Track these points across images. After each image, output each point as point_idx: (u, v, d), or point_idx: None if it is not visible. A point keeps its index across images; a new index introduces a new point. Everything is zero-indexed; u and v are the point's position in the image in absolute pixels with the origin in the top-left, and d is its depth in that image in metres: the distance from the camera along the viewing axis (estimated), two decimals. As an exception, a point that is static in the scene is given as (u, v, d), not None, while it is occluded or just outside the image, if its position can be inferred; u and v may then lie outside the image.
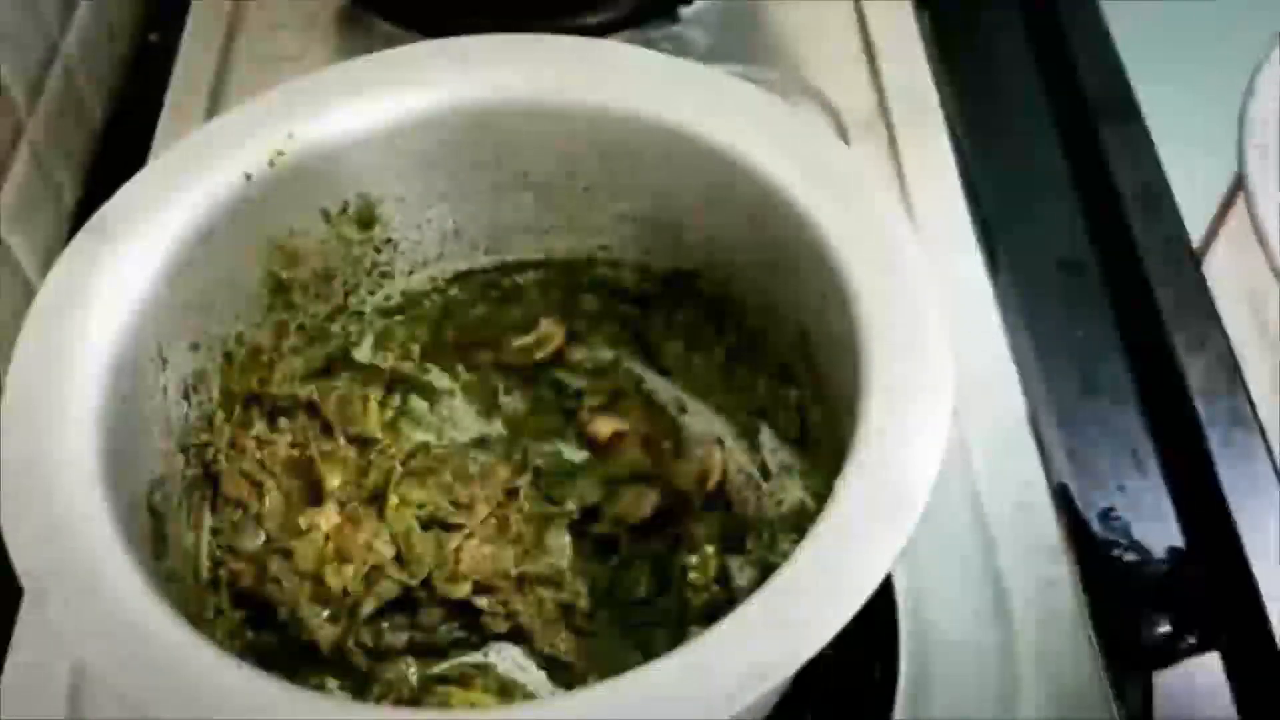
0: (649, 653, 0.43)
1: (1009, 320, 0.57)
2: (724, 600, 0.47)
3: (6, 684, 0.47)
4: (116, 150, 0.67)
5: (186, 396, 0.43)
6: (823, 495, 0.36)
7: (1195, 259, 0.61)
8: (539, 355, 0.51)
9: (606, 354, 0.52)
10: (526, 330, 0.52)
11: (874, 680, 0.47)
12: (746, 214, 0.44)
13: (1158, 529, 0.52)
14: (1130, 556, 0.51)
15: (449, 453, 0.50)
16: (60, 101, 0.63)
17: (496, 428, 0.52)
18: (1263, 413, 0.54)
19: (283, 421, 0.49)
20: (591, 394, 0.52)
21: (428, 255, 0.49)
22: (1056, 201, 0.63)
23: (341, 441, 0.49)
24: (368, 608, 0.46)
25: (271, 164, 0.43)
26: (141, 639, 0.33)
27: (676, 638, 0.45)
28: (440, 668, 0.47)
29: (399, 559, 0.47)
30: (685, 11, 0.69)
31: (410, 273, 0.50)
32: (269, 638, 0.46)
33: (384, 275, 0.49)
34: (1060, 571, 0.50)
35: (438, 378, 0.52)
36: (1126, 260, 0.59)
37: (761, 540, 0.48)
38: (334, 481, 0.48)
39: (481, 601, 0.47)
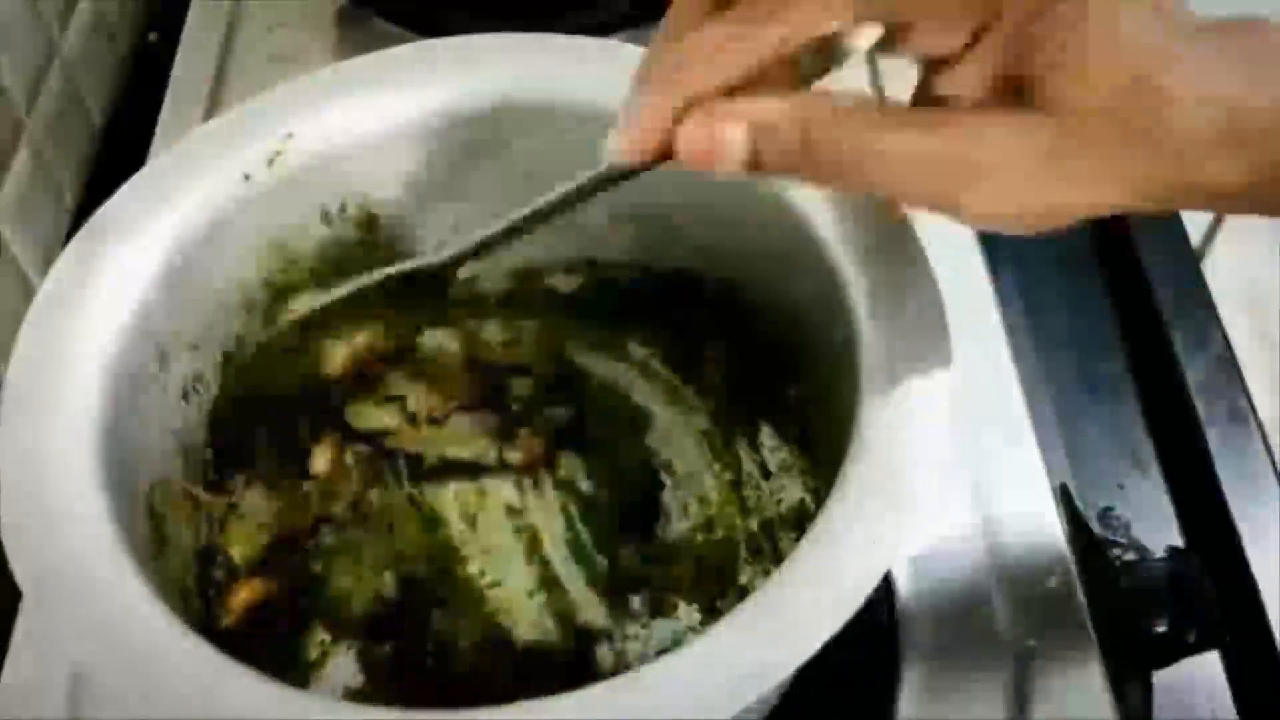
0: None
1: (1009, 320, 0.57)
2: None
3: (6, 684, 0.47)
4: (116, 150, 0.67)
5: (186, 397, 0.43)
6: (823, 495, 0.36)
7: (1195, 259, 0.61)
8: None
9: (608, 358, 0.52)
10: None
11: (874, 680, 0.47)
12: (746, 214, 0.43)
13: (1158, 529, 0.52)
14: (1130, 556, 0.51)
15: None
16: (60, 101, 0.63)
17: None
18: (1263, 413, 0.54)
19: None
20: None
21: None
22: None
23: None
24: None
25: (271, 164, 0.43)
26: (140, 641, 0.33)
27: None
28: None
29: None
30: (685, 11, 0.69)
31: (409, 273, 0.50)
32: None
33: (383, 275, 0.49)
34: (1060, 570, 0.50)
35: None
36: (1126, 260, 0.59)
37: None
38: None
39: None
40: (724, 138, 0.30)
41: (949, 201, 0.30)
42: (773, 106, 0.30)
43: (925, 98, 0.32)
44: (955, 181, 0.29)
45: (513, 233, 0.40)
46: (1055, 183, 0.29)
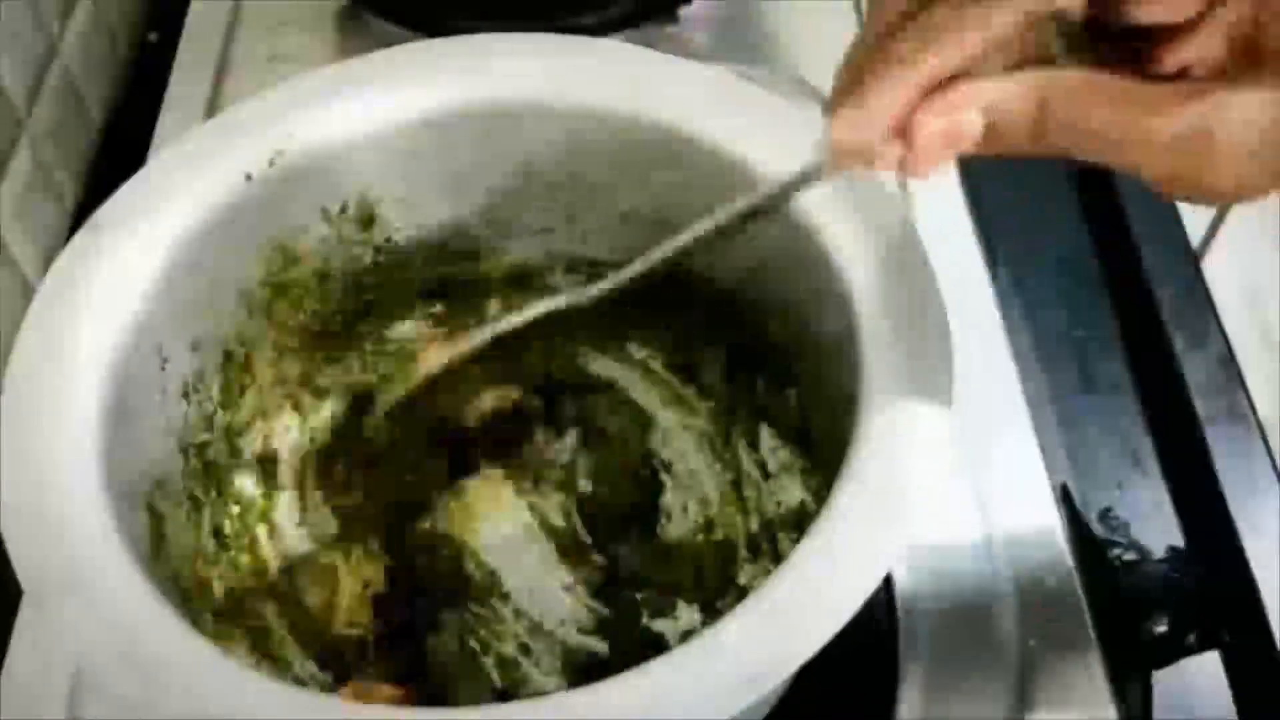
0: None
1: (1009, 320, 0.57)
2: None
3: (6, 684, 0.47)
4: (116, 150, 0.67)
5: (186, 396, 0.43)
6: (823, 495, 0.36)
7: (1195, 259, 0.61)
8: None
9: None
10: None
11: (874, 680, 0.47)
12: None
13: (1158, 529, 0.52)
14: (1130, 556, 0.51)
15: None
16: (60, 101, 0.63)
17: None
18: (1262, 412, 0.54)
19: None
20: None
21: (428, 255, 0.49)
22: (1056, 201, 0.63)
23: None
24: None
25: (271, 164, 0.43)
26: (140, 639, 0.33)
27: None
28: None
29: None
30: (685, 11, 0.69)
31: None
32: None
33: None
34: (1060, 571, 0.50)
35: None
36: (1126, 260, 0.59)
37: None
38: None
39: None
40: (963, 122, 0.30)
41: (1190, 179, 0.29)
42: (1010, 88, 0.30)
43: (1141, 70, 0.30)
44: (1198, 159, 0.28)
45: (681, 256, 0.38)
46: None
